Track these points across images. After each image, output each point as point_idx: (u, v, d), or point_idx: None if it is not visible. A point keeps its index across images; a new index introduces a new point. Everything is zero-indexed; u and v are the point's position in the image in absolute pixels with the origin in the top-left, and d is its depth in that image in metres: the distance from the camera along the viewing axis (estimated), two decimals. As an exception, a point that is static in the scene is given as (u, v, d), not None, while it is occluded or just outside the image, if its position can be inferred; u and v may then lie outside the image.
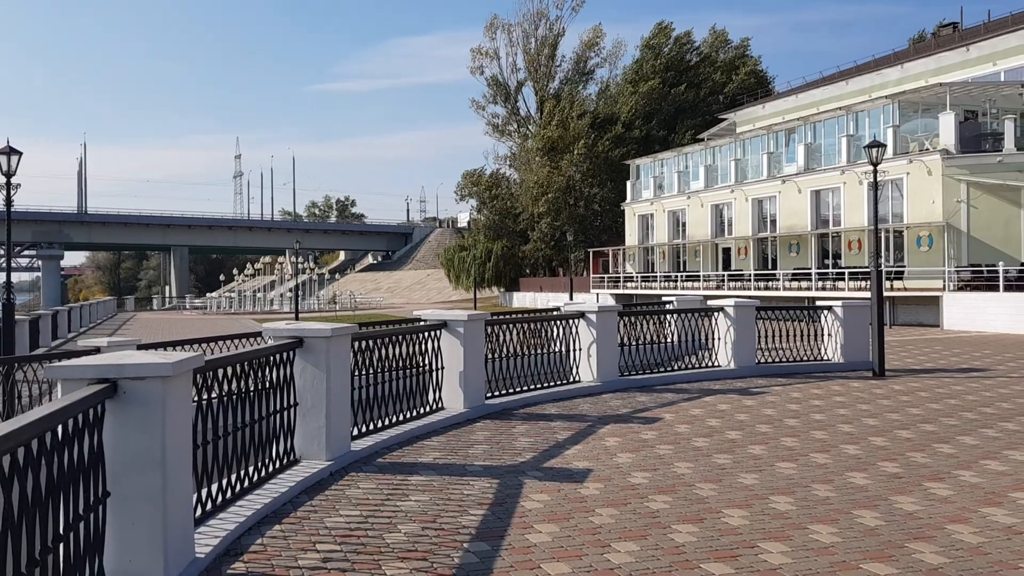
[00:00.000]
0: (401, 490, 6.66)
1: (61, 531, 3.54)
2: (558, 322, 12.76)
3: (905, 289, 31.28)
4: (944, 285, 30.03)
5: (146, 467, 4.30)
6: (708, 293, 35.57)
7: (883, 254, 32.49)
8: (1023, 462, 7.63)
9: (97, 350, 11.14)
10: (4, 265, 24.05)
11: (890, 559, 5.04)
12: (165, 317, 66.74)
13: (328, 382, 7.23)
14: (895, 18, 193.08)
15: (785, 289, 37.11)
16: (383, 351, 8.86)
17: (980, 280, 29.34)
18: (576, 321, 12.74)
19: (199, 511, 5.29)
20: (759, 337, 15.01)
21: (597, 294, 50.19)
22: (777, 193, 39.46)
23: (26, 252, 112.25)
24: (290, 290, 79.20)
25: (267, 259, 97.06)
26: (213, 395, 5.63)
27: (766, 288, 38.14)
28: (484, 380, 10.59)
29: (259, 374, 6.47)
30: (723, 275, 41.96)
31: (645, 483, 6.91)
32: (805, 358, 15.42)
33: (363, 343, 8.57)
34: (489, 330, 10.95)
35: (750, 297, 30.70)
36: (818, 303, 16.70)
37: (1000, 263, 28.16)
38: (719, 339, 14.62)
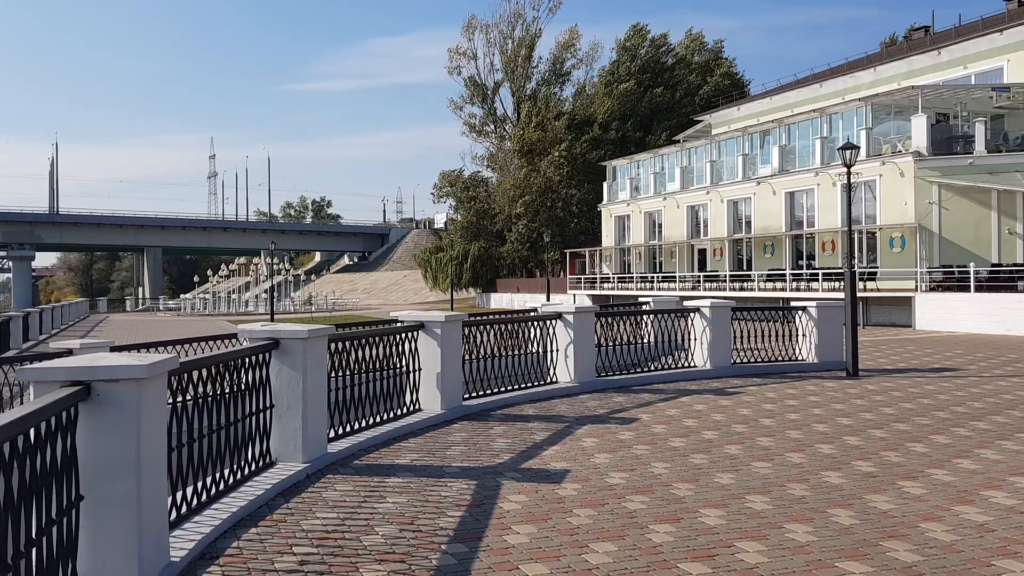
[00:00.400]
0: (378, 492, 6.63)
1: (34, 535, 3.49)
2: (535, 323, 12.77)
3: (878, 290, 31.61)
4: (916, 286, 30.38)
5: (120, 470, 4.25)
6: (684, 294, 35.74)
7: (856, 255, 32.82)
8: (995, 460, 7.74)
9: (70, 352, 11.01)
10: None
11: (865, 557, 5.09)
12: (139, 319, 66.11)
13: (305, 384, 7.19)
14: (866, 21, 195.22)
15: (760, 290, 37.37)
16: (360, 352, 8.83)
17: (952, 281, 29.71)
18: (553, 322, 12.76)
19: (174, 514, 5.23)
20: (734, 337, 15.11)
21: (574, 295, 50.29)
22: (752, 194, 39.74)
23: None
24: (265, 291, 78.73)
25: (242, 260, 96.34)
26: (188, 397, 5.58)
27: (741, 289, 38.39)
28: (461, 381, 10.58)
29: (235, 376, 6.42)
30: (699, 276, 42.18)
31: (622, 483, 6.93)
32: (780, 358, 15.54)
33: (340, 344, 8.54)
34: (466, 331, 10.94)
35: (725, 298, 30.91)
36: (792, 304, 16.84)
37: (971, 264, 28.52)
38: (695, 340, 14.70)
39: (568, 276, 55.51)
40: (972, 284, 27.98)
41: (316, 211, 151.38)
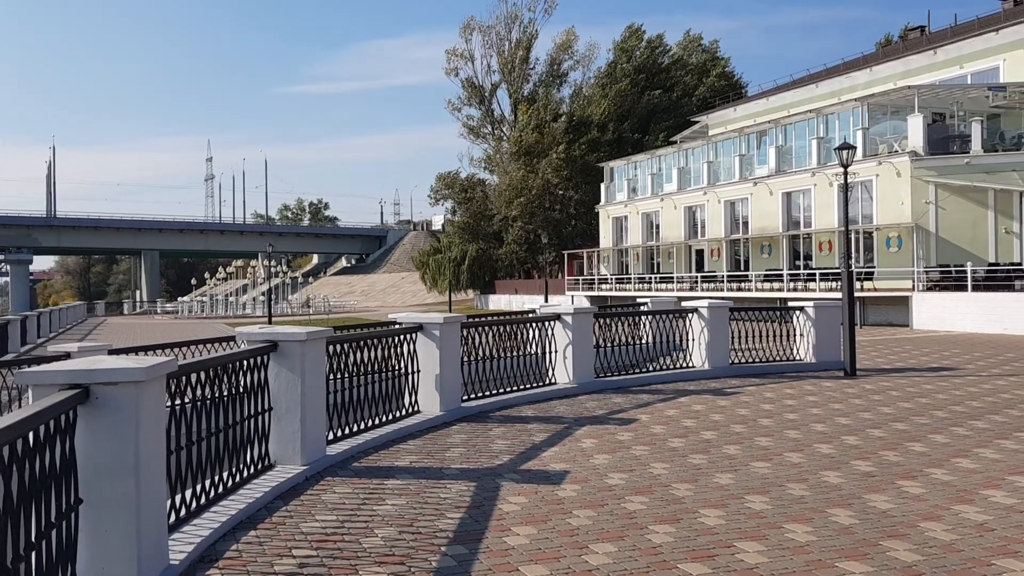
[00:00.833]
0: (377, 494, 6.63)
1: (33, 539, 3.48)
2: (534, 324, 12.77)
3: (875, 290, 31.62)
4: (913, 285, 30.40)
5: (119, 473, 4.24)
6: (682, 294, 35.75)
7: (853, 255, 32.84)
8: (993, 460, 7.74)
9: (68, 355, 11.00)
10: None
11: (865, 557, 5.09)
12: (136, 322, 66.05)
13: (303, 386, 7.18)
14: (863, 22, 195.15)
15: (757, 290, 37.38)
16: (358, 354, 8.82)
17: (949, 280, 29.74)
18: (552, 323, 12.76)
19: (173, 517, 5.23)
20: (732, 338, 15.11)
21: (572, 296, 50.28)
22: (749, 195, 39.76)
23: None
24: (263, 294, 78.65)
25: (239, 263, 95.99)
26: (187, 400, 5.58)
27: (739, 289, 38.40)
28: (460, 383, 10.57)
29: (233, 378, 6.42)
30: (696, 276, 42.18)
31: (622, 484, 6.93)
32: (778, 358, 15.55)
33: (338, 346, 8.53)
34: (465, 333, 10.93)
35: (723, 298, 30.91)
36: (790, 304, 16.85)
37: (968, 263, 28.54)
38: (693, 340, 14.70)
39: (566, 277, 55.50)
40: (969, 283, 28.01)
41: (313, 213, 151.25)
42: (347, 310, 74.55)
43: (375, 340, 9.28)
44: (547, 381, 12.56)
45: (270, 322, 47.23)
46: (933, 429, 9.33)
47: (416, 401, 9.92)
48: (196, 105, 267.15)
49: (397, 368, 9.72)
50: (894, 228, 31.79)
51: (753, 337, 15.59)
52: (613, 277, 49.84)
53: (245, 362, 6.65)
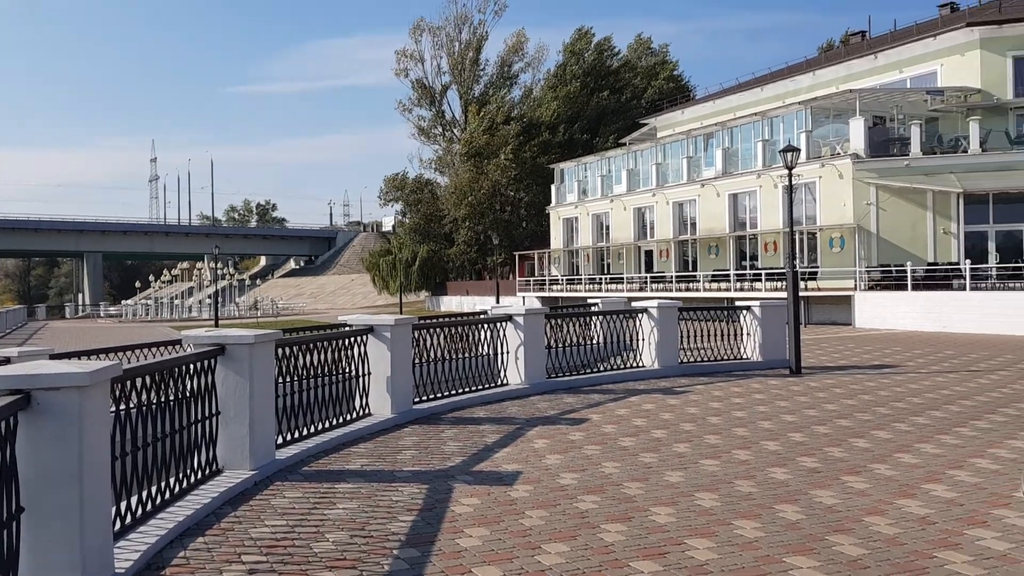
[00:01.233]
0: (328, 498, 6.57)
1: (-28, 550, 3.39)
2: (485, 325, 12.77)
3: (819, 289, 32.26)
4: (856, 285, 31.09)
5: (62, 481, 4.15)
6: (631, 295, 36.06)
7: (798, 255, 33.44)
8: (934, 455, 7.95)
9: (7, 360, 10.70)
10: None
11: (812, 552, 5.19)
12: (79, 326, 64.52)
13: (251, 390, 7.09)
14: (806, 26, 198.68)
15: (705, 290, 37.87)
16: (308, 357, 8.74)
17: (889, 280, 30.47)
18: (503, 324, 12.77)
19: (118, 525, 5.12)
20: (681, 337, 15.29)
21: (523, 297, 50.38)
22: (697, 196, 40.25)
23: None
24: (209, 296, 77.44)
25: (185, 265, 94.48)
26: (132, 405, 5.47)
27: (687, 289, 38.84)
28: (412, 385, 10.53)
29: (179, 383, 6.31)
30: (646, 277, 42.58)
31: (574, 484, 6.96)
32: (726, 357, 15.78)
33: (287, 349, 8.44)
34: (416, 334, 10.89)
35: (672, 298, 31.20)
36: (737, 303, 17.11)
37: (908, 263, 29.27)
38: (643, 340, 14.84)
39: (517, 278, 55.59)
40: (909, 283, 28.74)
41: (261, 215, 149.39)
42: (296, 312, 73.75)
43: (325, 343, 9.20)
44: (499, 382, 12.57)
45: (217, 325, 46.47)
46: (876, 425, 9.54)
47: (367, 404, 9.86)
48: (140, 104, 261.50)
49: (348, 371, 9.65)
50: (837, 229, 32.45)
51: (702, 337, 15.79)
52: (564, 278, 50.06)
53: (192, 366, 6.55)
